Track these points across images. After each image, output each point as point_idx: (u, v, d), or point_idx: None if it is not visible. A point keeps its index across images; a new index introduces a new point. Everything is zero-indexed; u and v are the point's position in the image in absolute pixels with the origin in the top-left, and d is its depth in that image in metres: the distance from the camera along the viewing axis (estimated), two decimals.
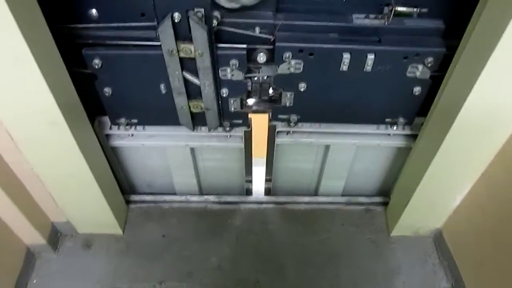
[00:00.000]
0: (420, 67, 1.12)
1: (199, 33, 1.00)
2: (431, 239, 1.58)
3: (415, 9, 1.07)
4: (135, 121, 1.35)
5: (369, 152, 1.49)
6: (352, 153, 1.47)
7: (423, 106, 1.26)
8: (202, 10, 0.98)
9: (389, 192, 1.66)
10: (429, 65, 1.11)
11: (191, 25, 0.99)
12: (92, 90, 1.21)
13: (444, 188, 1.34)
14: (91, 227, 1.56)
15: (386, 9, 1.07)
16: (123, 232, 1.59)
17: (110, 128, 1.38)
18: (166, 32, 1.00)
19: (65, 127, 1.10)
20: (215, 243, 1.57)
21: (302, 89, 1.18)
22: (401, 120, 1.32)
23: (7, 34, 0.86)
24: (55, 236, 1.55)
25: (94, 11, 1.08)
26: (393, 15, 1.05)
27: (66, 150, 1.18)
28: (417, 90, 1.18)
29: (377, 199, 1.68)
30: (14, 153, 1.18)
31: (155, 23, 1.03)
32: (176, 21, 0.99)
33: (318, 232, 1.60)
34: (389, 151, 1.49)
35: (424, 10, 1.07)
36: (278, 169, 1.59)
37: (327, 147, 1.46)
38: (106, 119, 1.36)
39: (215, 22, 1.03)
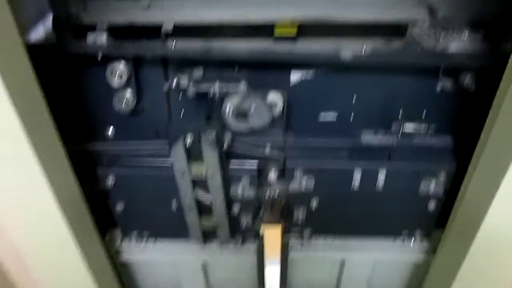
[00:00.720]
0: (433, 182, 1.11)
1: (211, 155, 1.02)
2: None
3: (423, 127, 1.09)
4: (146, 234, 1.34)
5: (386, 266, 1.43)
6: (369, 267, 1.41)
7: (441, 217, 1.22)
8: (214, 133, 1.01)
9: None
10: (442, 181, 1.10)
11: (202, 147, 1.02)
12: (104, 204, 1.23)
13: None
14: None
15: (394, 127, 1.09)
16: None
17: (121, 242, 1.36)
18: (178, 155, 1.03)
19: (74, 245, 1.09)
20: None
21: (314, 205, 1.17)
22: (418, 232, 1.28)
23: (19, 151, 0.87)
24: None
25: (110, 129, 1.13)
26: (401, 132, 1.07)
27: (73, 267, 1.15)
28: (432, 204, 1.16)
29: None
30: (20, 267, 1.16)
31: (168, 142, 1.07)
32: (188, 143, 1.02)
33: None
34: (407, 265, 1.42)
35: (432, 126, 1.09)
36: (292, 282, 1.53)
37: (342, 261, 1.40)
38: (117, 233, 1.36)
39: (226, 144, 1.05)
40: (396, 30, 1.41)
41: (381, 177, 1.08)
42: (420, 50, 1.14)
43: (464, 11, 1.29)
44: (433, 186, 1.11)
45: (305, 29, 1.42)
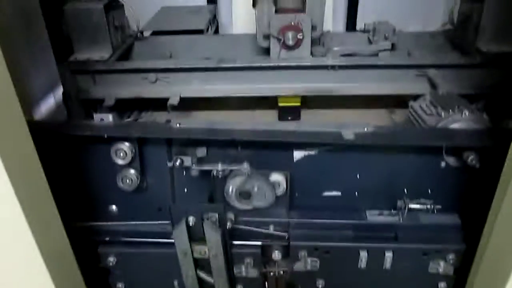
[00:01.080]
0: (442, 263, 1.07)
1: (213, 236, 1.01)
2: None
3: (429, 205, 1.07)
4: None
5: None
6: None
7: None
8: (216, 214, 1.00)
9: None
10: (451, 261, 1.06)
11: (205, 228, 1.00)
12: (103, 283, 1.20)
13: None
14: None
15: (400, 205, 1.07)
16: None
17: None
18: (180, 235, 1.01)
19: None
20: None
21: (320, 286, 1.13)
22: None
23: (16, 228, 0.85)
24: None
25: (112, 207, 1.12)
26: (407, 211, 1.06)
27: None
28: (442, 286, 1.11)
29: None
30: None
31: (171, 222, 1.05)
32: (190, 224, 1.01)
33: None
34: None
35: (439, 205, 1.07)
36: None
37: None
38: None
39: (229, 224, 1.04)
40: (398, 102, 1.43)
41: (388, 257, 1.05)
42: (422, 124, 1.15)
43: (463, 87, 1.31)
44: (442, 265, 1.07)
45: (309, 100, 1.44)
